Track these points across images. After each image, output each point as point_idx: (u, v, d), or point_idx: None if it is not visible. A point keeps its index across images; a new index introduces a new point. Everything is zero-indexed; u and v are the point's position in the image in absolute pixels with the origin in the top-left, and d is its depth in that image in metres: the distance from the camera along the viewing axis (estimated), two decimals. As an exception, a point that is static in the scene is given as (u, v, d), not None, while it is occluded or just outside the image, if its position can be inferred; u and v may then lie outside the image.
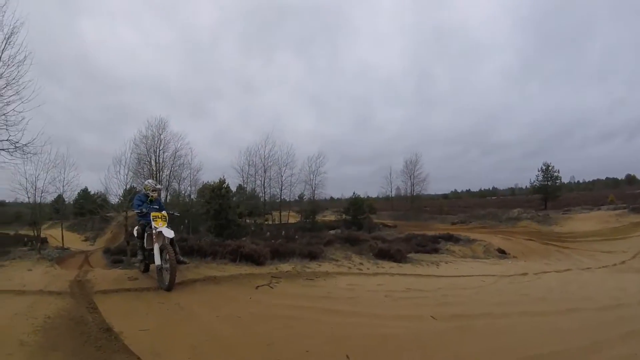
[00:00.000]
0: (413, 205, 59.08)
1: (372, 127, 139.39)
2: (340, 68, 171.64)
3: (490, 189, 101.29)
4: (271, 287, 7.64)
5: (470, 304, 7.37)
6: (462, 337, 5.20)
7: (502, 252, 21.97)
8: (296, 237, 22.43)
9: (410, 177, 58.56)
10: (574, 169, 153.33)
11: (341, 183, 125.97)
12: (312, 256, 11.02)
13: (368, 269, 10.80)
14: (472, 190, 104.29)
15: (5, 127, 16.32)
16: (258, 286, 7.62)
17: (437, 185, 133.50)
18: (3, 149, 16.60)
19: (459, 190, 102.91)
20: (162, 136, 32.49)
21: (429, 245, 20.64)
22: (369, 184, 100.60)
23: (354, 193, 51.96)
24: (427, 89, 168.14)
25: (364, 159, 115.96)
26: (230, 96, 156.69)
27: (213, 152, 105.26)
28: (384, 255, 12.82)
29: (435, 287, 8.74)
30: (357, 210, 45.55)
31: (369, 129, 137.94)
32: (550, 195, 50.59)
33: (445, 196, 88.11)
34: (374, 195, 67.56)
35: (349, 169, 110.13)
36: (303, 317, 5.76)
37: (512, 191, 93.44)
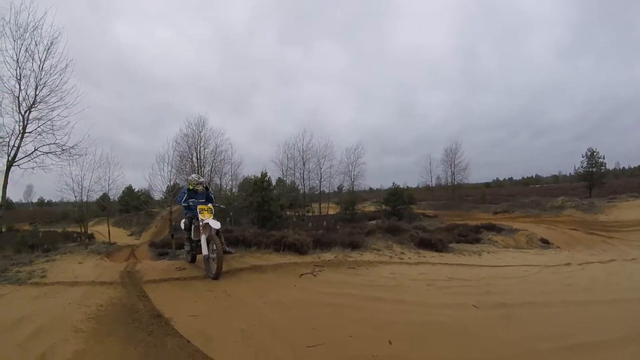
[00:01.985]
0: (454, 194, 58.16)
1: (415, 115, 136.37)
2: (384, 54, 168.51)
3: (533, 176, 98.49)
4: (314, 275, 7.77)
5: (513, 293, 7.30)
6: (505, 325, 5.19)
7: (545, 242, 21.40)
8: (337, 227, 22.50)
9: (450, 165, 57.66)
10: (619, 152, 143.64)
11: (381, 173, 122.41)
12: (354, 246, 11.09)
13: (410, 258, 10.79)
14: (514, 178, 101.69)
15: (51, 131, 17.42)
16: (302, 274, 7.78)
17: (479, 173, 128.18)
18: (50, 152, 17.62)
19: (501, 179, 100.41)
20: (202, 133, 33.06)
21: (471, 235, 20.33)
22: (409, 174, 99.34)
23: (393, 183, 51.33)
24: (473, 70, 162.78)
25: (405, 149, 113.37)
26: (269, 89, 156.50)
27: (253, 146, 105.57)
28: (425, 244, 12.80)
29: (478, 277, 8.69)
30: (397, 201, 45.03)
31: (412, 117, 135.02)
32: (595, 183, 49.00)
33: (487, 185, 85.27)
34: (413, 185, 67.16)
35: (390, 159, 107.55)
36: (346, 303, 5.84)
37: (556, 179, 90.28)
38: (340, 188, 49.82)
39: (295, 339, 4.33)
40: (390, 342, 4.22)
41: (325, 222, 29.82)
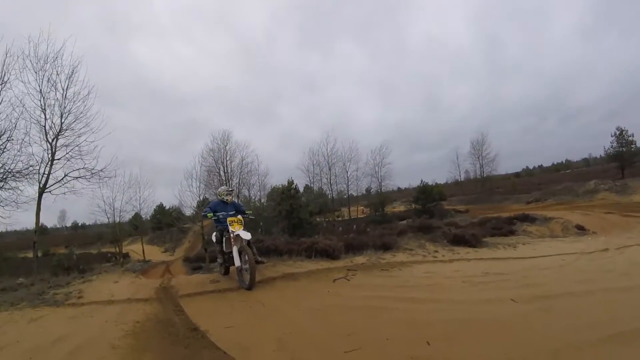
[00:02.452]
0: (484, 187, 57.53)
1: (440, 109, 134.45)
2: (405, 48, 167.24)
3: (563, 162, 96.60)
4: (348, 280, 7.71)
5: (551, 284, 7.13)
6: (545, 318, 5.07)
7: (581, 229, 20.94)
8: (368, 230, 22.42)
9: (478, 158, 57.50)
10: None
11: (409, 172, 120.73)
12: (386, 247, 11.01)
13: (443, 256, 10.67)
14: (544, 165, 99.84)
15: (80, 156, 17.81)
16: (335, 279, 7.71)
17: (509, 163, 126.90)
18: (80, 177, 18.04)
19: (531, 167, 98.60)
20: (227, 147, 33.54)
21: (505, 228, 20.01)
22: (438, 170, 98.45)
23: (421, 181, 50.60)
24: (496, 57, 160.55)
25: (432, 144, 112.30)
26: (292, 96, 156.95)
27: (280, 154, 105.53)
28: (458, 241, 12.64)
29: (514, 270, 8.54)
30: (427, 198, 44.38)
31: (437, 111, 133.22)
32: (626, 163, 47.92)
33: (517, 174, 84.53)
34: (442, 181, 66.13)
35: (417, 156, 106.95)
36: (381, 306, 5.76)
37: (587, 162, 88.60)
38: (368, 190, 49.72)
39: (331, 345, 4.29)
40: (428, 343, 4.15)
41: (355, 226, 29.77)
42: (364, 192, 49.55)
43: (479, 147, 57.32)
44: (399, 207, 54.68)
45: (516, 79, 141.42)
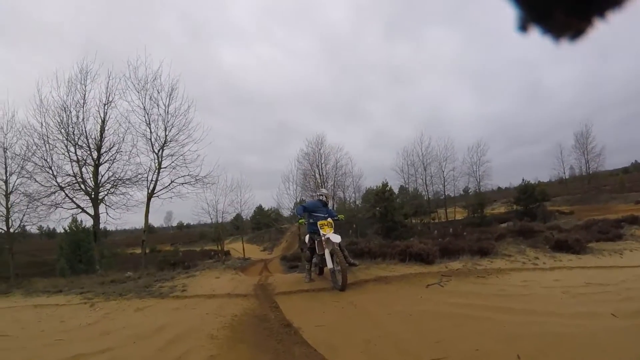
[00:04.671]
0: (590, 185, 53.25)
1: (541, 97, 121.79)
2: (497, 31, 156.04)
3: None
4: (441, 286, 7.57)
5: (659, 297, 6.62)
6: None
7: (702, 233, 19.14)
8: (465, 233, 21.87)
9: (583, 153, 52.83)
10: None
11: (509, 170, 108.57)
12: (483, 252, 10.68)
13: (544, 263, 10.14)
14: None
15: (184, 164, 19.81)
16: (428, 285, 7.59)
17: (616, 158, 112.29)
18: (186, 182, 19.94)
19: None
20: (321, 151, 33.74)
21: (611, 232, 18.54)
22: (540, 167, 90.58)
23: (523, 179, 47.80)
24: (602, 31, 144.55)
25: (533, 138, 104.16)
26: (383, 93, 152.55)
27: (372, 155, 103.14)
28: (561, 246, 11.95)
29: (618, 280, 7.97)
30: (528, 199, 42.29)
31: (537, 100, 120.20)
32: None
33: (625, 170, 74.61)
34: (545, 179, 61.97)
35: (517, 152, 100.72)
36: (474, 315, 5.62)
37: None
38: (466, 190, 47.91)
39: (418, 351, 4.27)
40: (519, 357, 4.00)
41: (451, 229, 29.14)
42: (462, 192, 47.79)
43: (583, 140, 52.57)
44: (499, 209, 52.27)
45: (626, 56, 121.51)
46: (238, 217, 44.09)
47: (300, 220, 8.70)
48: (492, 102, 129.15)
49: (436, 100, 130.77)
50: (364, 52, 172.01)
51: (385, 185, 26.82)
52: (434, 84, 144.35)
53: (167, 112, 19.77)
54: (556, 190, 56.86)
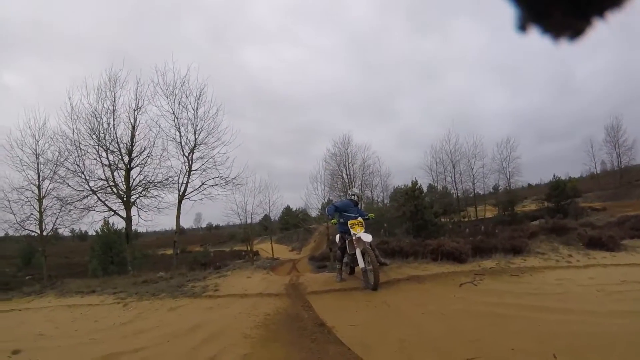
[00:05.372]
0: (622, 180, 51.25)
1: (570, 90, 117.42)
2: None
3: None
4: (475, 285, 7.47)
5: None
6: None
7: None
8: (496, 231, 21.57)
9: (614, 146, 51.13)
10: None
11: (539, 166, 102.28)
12: (516, 250, 10.48)
13: (578, 261, 9.90)
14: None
15: (214, 167, 20.08)
16: (462, 284, 7.51)
17: None
18: (216, 184, 20.25)
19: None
20: (348, 150, 33.56)
21: None
22: (571, 162, 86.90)
23: (554, 175, 46.17)
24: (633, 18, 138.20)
25: (563, 132, 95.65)
26: (410, 90, 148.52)
27: (400, 153, 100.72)
28: (594, 244, 11.64)
29: (655, 278, 7.77)
30: (560, 195, 40.84)
31: (567, 92, 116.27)
32: None
33: None
34: (576, 174, 59.54)
35: (548, 148, 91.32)
36: (508, 314, 5.54)
37: None
38: (495, 188, 46.89)
39: (453, 351, 4.22)
40: (554, 356, 3.91)
41: (482, 227, 28.76)
42: (492, 190, 46.67)
43: (614, 133, 50.70)
44: (530, 206, 51.04)
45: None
46: (266, 217, 44.31)
47: (332, 220, 8.67)
48: (521, 95, 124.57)
49: (464, 96, 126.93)
50: (391, 48, 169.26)
51: (415, 183, 26.57)
52: (462, 79, 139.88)
53: (196, 115, 20.06)
54: (587, 186, 54.55)
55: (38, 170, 20.15)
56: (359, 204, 9.19)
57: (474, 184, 42.42)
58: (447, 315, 5.64)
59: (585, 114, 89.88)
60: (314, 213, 38.90)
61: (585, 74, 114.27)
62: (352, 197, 9.06)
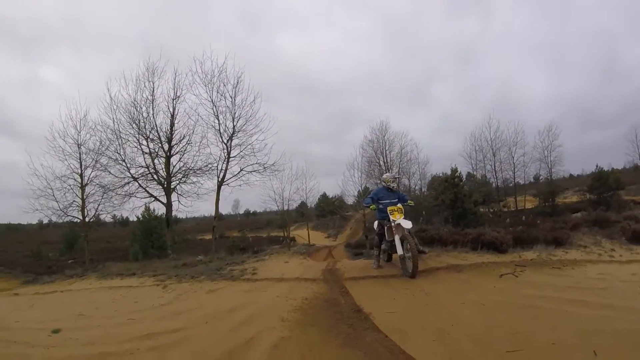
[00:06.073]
0: None
1: (617, 73, 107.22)
2: None
3: None
4: (515, 276, 7.32)
5: None
6: None
7: None
8: (538, 222, 21.11)
9: None
10: None
11: (581, 155, 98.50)
12: (558, 242, 10.22)
13: (620, 255, 9.56)
14: None
15: (253, 153, 20.53)
16: (502, 274, 7.36)
17: None
18: (254, 171, 20.79)
19: None
20: (385, 137, 33.31)
21: None
22: (615, 152, 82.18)
23: (596, 166, 44.31)
24: None
25: (608, 121, 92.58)
26: (448, 74, 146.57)
27: (438, 140, 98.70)
28: (638, 238, 11.30)
29: (698, 273, 7.45)
30: (602, 187, 39.18)
31: (613, 77, 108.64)
32: None
33: None
34: (619, 165, 56.33)
35: (591, 136, 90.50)
36: (549, 307, 5.38)
37: None
38: (536, 178, 45.42)
39: (494, 343, 4.14)
40: (595, 353, 3.77)
41: (524, 217, 28.19)
42: (532, 179, 45.27)
43: None
44: (571, 197, 49.37)
45: None
46: (303, 204, 44.66)
47: (371, 206, 8.51)
48: (564, 80, 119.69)
49: (505, 80, 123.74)
50: (428, 30, 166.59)
51: (455, 171, 26.11)
52: (503, 61, 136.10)
53: (234, 103, 20.42)
54: (631, 177, 51.45)
55: (80, 159, 20.72)
56: (396, 187, 8.95)
57: (514, 173, 40.99)
58: (487, 306, 5.54)
59: (635, 99, 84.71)
60: (350, 200, 39.29)
61: (635, 56, 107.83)
62: (388, 184, 8.83)
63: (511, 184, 42.45)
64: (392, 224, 7.90)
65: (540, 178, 44.60)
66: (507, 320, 4.87)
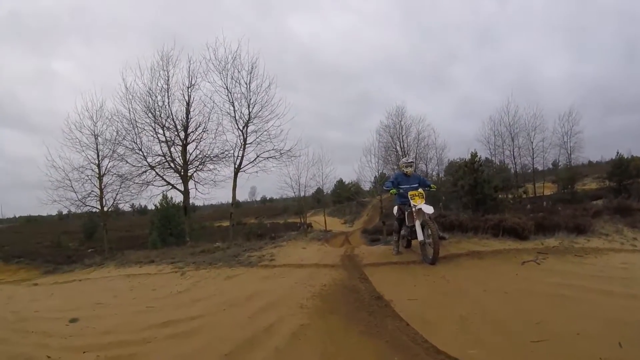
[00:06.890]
0: None
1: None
2: None
3: None
4: (537, 263, 7.16)
5: None
6: None
7: None
8: (559, 208, 20.86)
9: None
10: None
11: (600, 141, 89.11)
12: (579, 230, 10.02)
13: (643, 244, 9.47)
14: None
15: (269, 139, 20.49)
16: (524, 262, 7.20)
17: None
18: (270, 157, 20.71)
19: None
20: (402, 122, 33.04)
21: None
22: (636, 138, 79.97)
23: (617, 152, 43.29)
24: None
25: (630, 105, 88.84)
26: (467, 55, 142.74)
27: (457, 124, 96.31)
28: (661, 228, 11.09)
29: None
30: (622, 174, 38.82)
31: (636, 58, 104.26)
32: None
33: None
34: (639, 152, 56.90)
35: (612, 121, 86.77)
36: (572, 296, 5.24)
37: None
38: (555, 164, 44.55)
39: (518, 332, 4.04)
40: (620, 344, 3.64)
41: (545, 203, 27.86)
42: (551, 166, 44.44)
43: None
44: (590, 185, 48.80)
45: None
46: (319, 191, 44.73)
47: (392, 190, 8.33)
48: (585, 62, 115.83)
49: (524, 61, 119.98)
50: (445, 9, 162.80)
51: (474, 155, 25.72)
52: (522, 43, 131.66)
53: (249, 89, 20.37)
54: None
55: (97, 150, 21.11)
56: (411, 171, 8.73)
57: (533, 158, 40.02)
58: (510, 294, 5.44)
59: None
60: (366, 186, 39.30)
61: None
62: (407, 168, 8.61)
63: (530, 170, 41.60)
64: (413, 209, 7.72)
65: (559, 164, 43.71)
66: (530, 309, 4.76)
